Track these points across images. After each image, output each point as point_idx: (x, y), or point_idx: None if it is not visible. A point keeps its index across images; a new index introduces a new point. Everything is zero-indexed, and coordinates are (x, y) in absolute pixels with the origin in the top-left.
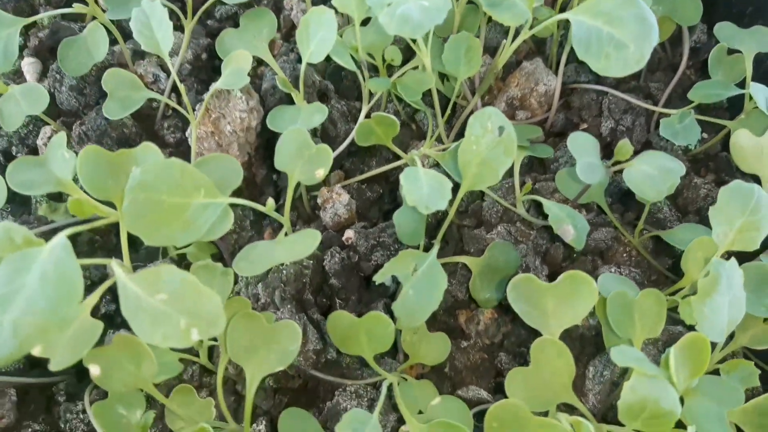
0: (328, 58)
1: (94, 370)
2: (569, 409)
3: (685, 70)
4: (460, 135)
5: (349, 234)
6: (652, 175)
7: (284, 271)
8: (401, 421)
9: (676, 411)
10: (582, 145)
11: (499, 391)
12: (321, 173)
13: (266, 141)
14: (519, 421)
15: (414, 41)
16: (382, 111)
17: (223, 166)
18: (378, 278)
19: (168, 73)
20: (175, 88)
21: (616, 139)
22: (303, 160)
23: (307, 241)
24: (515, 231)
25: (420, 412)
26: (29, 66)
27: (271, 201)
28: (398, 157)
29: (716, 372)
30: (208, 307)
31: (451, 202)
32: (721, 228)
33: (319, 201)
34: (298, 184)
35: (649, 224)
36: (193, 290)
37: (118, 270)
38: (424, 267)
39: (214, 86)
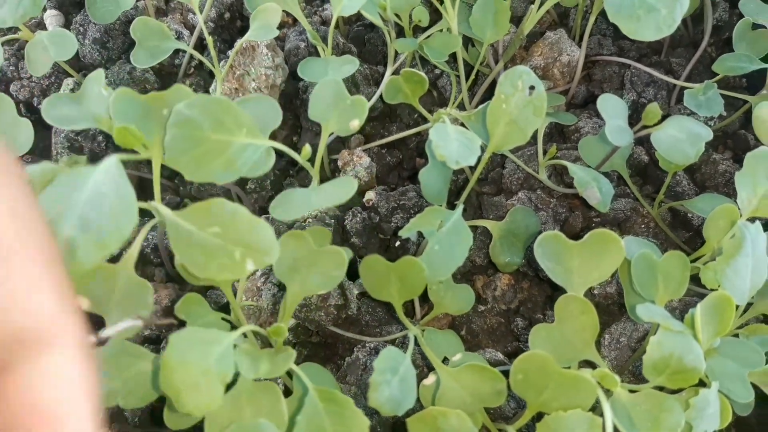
0: (349, 21)
1: None
2: (590, 367)
3: (706, 48)
4: (482, 103)
5: (370, 195)
6: (680, 139)
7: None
8: (422, 377)
9: (700, 367)
10: (612, 106)
11: (515, 356)
12: (356, 124)
13: (289, 101)
14: (544, 372)
15: (441, 2)
16: None
17: (262, 106)
18: (404, 233)
19: (191, 31)
20: (197, 47)
21: (637, 112)
22: (338, 110)
23: (345, 187)
24: (536, 198)
25: (445, 359)
26: (52, 18)
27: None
28: (418, 124)
29: (735, 337)
30: (262, 237)
31: (474, 166)
32: (745, 193)
33: (339, 163)
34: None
35: (667, 198)
36: (246, 221)
37: (164, 209)
38: (449, 223)
39: (240, 41)
